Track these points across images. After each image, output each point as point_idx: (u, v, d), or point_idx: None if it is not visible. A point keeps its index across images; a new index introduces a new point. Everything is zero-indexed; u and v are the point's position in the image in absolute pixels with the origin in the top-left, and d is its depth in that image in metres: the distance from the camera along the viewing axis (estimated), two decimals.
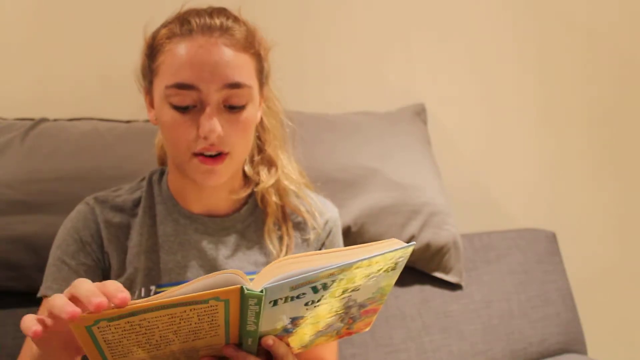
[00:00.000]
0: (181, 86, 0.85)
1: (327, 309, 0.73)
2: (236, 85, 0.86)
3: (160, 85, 0.88)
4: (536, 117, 1.72)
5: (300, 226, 1.01)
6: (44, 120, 1.23)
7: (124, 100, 1.20)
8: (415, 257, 1.33)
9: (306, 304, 0.70)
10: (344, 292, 0.71)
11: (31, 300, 1.08)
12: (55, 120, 1.24)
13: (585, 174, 1.77)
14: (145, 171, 1.03)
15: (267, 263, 0.96)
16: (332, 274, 0.67)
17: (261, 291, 0.65)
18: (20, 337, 1.10)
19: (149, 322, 0.63)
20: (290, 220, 1.00)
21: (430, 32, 1.61)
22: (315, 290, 0.68)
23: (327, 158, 1.29)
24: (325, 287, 0.68)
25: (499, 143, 1.68)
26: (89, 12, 1.34)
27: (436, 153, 1.49)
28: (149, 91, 0.93)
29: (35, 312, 1.10)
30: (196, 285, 0.64)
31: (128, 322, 0.62)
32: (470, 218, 1.57)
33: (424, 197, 1.34)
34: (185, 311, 0.63)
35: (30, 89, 1.32)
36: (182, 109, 0.86)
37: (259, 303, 0.65)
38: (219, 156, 0.88)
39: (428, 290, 1.36)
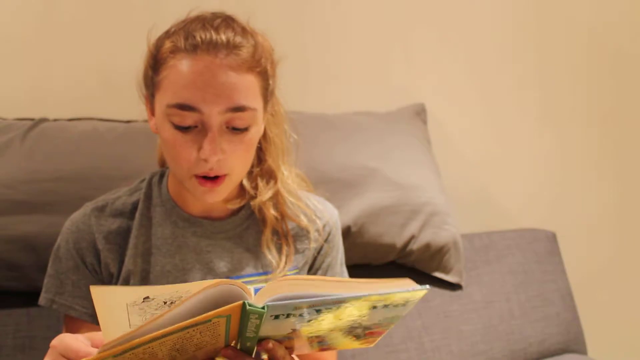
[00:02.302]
0: (183, 107, 0.83)
1: (330, 327, 0.73)
2: (240, 109, 0.84)
3: (161, 101, 0.86)
4: (536, 117, 1.72)
5: (300, 236, 1.00)
6: (44, 120, 1.23)
7: (124, 100, 1.20)
8: (415, 257, 1.33)
9: (309, 321, 0.70)
10: (349, 316, 0.71)
11: (31, 300, 1.08)
12: (55, 120, 1.24)
13: (585, 174, 1.77)
14: (146, 171, 1.03)
15: (265, 267, 0.96)
16: (337, 302, 0.67)
17: (263, 307, 0.65)
18: (20, 337, 1.10)
19: (152, 348, 0.63)
20: (290, 229, 0.99)
21: (430, 32, 1.60)
22: (319, 312, 0.68)
23: (327, 158, 1.29)
24: (329, 311, 0.68)
25: (499, 143, 1.68)
26: (90, 12, 1.34)
27: (436, 153, 1.49)
28: (150, 100, 0.91)
29: (33, 312, 1.12)
30: (197, 298, 0.64)
31: (132, 353, 0.62)
32: (470, 218, 1.56)
33: (424, 197, 1.34)
34: (188, 332, 0.63)
35: (30, 89, 1.31)
36: (183, 129, 0.85)
37: (260, 317, 0.65)
38: (218, 178, 0.87)
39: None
